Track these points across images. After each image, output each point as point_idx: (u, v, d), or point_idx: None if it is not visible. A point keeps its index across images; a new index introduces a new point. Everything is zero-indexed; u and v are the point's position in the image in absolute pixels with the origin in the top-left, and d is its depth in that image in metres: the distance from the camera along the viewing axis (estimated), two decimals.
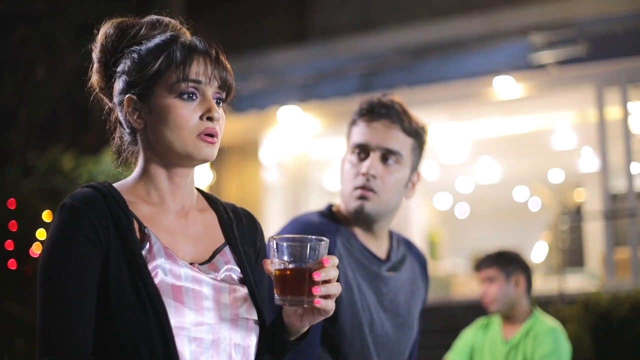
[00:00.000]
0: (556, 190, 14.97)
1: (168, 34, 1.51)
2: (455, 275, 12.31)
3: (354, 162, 2.11)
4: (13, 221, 5.87)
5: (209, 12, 10.60)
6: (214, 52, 1.48)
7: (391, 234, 2.25)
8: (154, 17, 1.55)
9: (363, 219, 2.11)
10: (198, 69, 1.46)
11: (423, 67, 9.14)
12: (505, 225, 16.45)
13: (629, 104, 8.56)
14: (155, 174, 1.51)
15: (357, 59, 9.57)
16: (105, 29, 1.53)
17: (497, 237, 14.75)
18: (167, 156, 1.49)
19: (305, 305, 1.38)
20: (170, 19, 1.56)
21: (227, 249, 1.54)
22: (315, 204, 9.97)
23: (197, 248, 1.51)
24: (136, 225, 1.44)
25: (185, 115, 1.45)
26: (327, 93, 9.61)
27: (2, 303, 5.77)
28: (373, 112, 2.12)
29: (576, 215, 13.73)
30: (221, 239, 1.56)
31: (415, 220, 12.19)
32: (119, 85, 1.50)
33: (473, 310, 3.90)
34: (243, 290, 1.50)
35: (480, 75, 8.85)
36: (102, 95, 1.57)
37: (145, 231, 1.44)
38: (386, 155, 2.09)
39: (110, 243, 1.39)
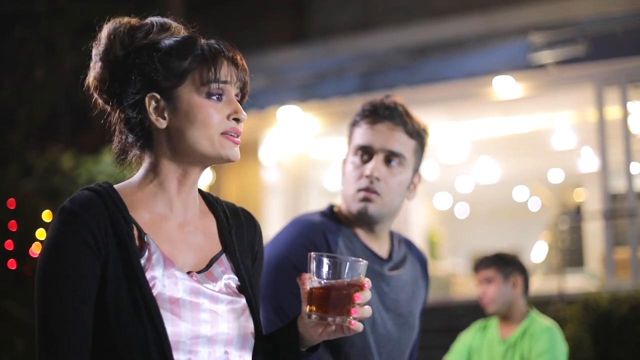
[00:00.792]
0: (556, 190, 14.98)
1: (185, 35, 1.51)
2: (455, 275, 12.33)
3: (357, 163, 2.11)
4: (13, 221, 5.87)
5: (208, 11, 10.61)
6: (236, 54, 1.50)
7: (392, 234, 2.25)
8: (158, 19, 1.53)
9: (366, 221, 2.11)
10: (225, 71, 1.47)
11: (423, 67, 9.15)
12: (505, 225, 16.46)
13: (629, 104, 8.56)
14: (167, 175, 1.49)
15: (357, 59, 9.57)
16: (112, 28, 1.50)
17: (496, 237, 14.78)
18: (187, 156, 1.48)
19: (344, 324, 1.39)
20: (177, 23, 1.55)
21: (224, 256, 1.53)
22: (315, 204, 9.97)
23: (196, 257, 1.49)
24: (136, 232, 1.42)
25: (214, 114, 1.45)
26: (327, 93, 9.61)
27: (2, 303, 5.77)
28: (376, 114, 2.11)
29: (576, 215, 13.74)
30: (218, 247, 1.54)
31: (415, 220, 12.20)
32: (134, 85, 1.46)
33: (473, 310, 3.91)
34: (241, 301, 1.49)
35: (480, 75, 8.85)
36: (97, 96, 1.53)
37: (145, 238, 1.42)
38: (389, 157, 2.09)
39: (109, 250, 1.37)
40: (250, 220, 1.65)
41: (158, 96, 1.46)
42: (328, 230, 2.07)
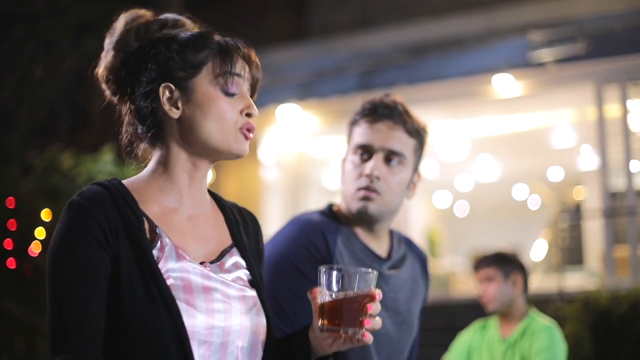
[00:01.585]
0: (555, 189, 14.98)
1: (203, 30, 1.54)
2: (454, 273, 12.33)
3: (357, 162, 2.11)
4: (12, 220, 5.87)
5: (207, 10, 10.60)
6: (250, 51, 1.53)
7: (391, 233, 2.25)
8: (173, 15, 1.55)
9: (366, 220, 2.11)
10: (240, 66, 1.50)
11: (422, 65, 9.14)
12: (504, 224, 16.45)
13: (628, 102, 8.56)
14: (177, 167, 1.50)
15: (357, 57, 9.57)
16: (130, 18, 1.52)
17: (496, 236, 14.79)
18: (199, 148, 1.49)
19: (357, 337, 1.40)
20: (190, 21, 1.56)
21: (234, 250, 1.54)
22: (314, 203, 9.97)
23: (206, 249, 1.50)
24: (147, 225, 1.43)
25: (228, 108, 1.48)
26: (326, 91, 9.61)
27: (1, 302, 5.77)
28: (376, 113, 2.11)
29: (576, 213, 13.73)
30: (229, 240, 1.55)
31: (415, 218, 12.20)
32: (148, 74, 1.48)
33: (473, 309, 3.91)
34: (252, 293, 1.50)
35: (480, 73, 8.85)
36: (106, 86, 1.54)
37: (157, 231, 1.43)
38: (389, 156, 2.09)
39: (120, 244, 1.37)
40: (254, 221, 1.67)
41: (172, 86, 1.47)
42: (327, 229, 2.06)
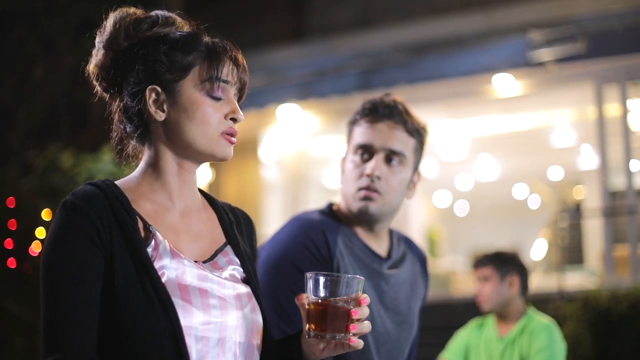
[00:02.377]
0: (555, 188, 14.98)
1: (191, 31, 1.53)
2: (454, 272, 12.34)
3: (357, 162, 2.11)
4: (12, 219, 5.86)
5: (207, 9, 10.60)
6: (238, 54, 1.52)
7: (391, 232, 2.25)
8: (163, 12, 1.55)
9: (366, 219, 2.11)
10: (227, 70, 1.49)
11: (422, 65, 9.15)
12: (504, 223, 16.47)
13: (628, 101, 8.57)
14: (165, 168, 1.50)
15: (356, 57, 9.57)
16: (118, 17, 1.52)
17: (496, 235, 14.79)
18: (184, 150, 1.49)
19: (344, 342, 1.41)
20: (181, 18, 1.56)
21: (228, 248, 1.55)
22: (314, 202, 9.97)
23: (200, 247, 1.51)
24: (140, 224, 1.43)
25: (212, 113, 1.47)
26: (326, 91, 9.61)
27: (2, 301, 5.77)
28: (376, 113, 2.11)
29: (575, 212, 13.73)
30: (222, 239, 1.56)
31: (415, 218, 12.19)
32: (136, 75, 1.48)
33: (472, 308, 3.91)
34: (247, 290, 1.51)
35: (479, 73, 8.85)
36: (97, 83, 1.54)
37: (150, 229, 1.43)
38: (390, 156, 2.09)
39: (114, 242, 1.38)
40: (247, 221, 1.68)
41: (159, 89, 1.47)
42: (327, 228, 2.06)
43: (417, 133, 2.14)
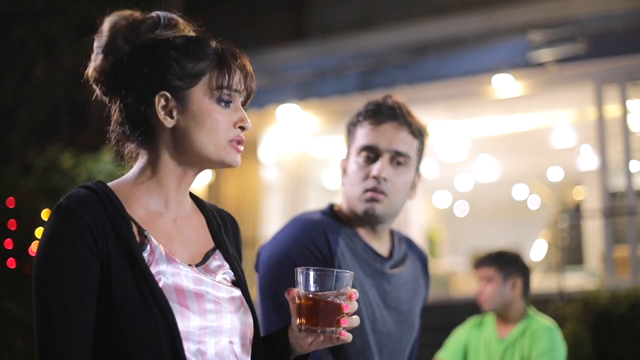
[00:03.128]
0: (555, 189, 14.98)
1: (199, 36, 1.51)
2: (454, 273, 12.33)
3: (362, 164, 2.11)
4: (12, 220, 5.86)
5: (207, 10, 10.60)
6: (246, 62, 1.52)
7: (392, 233, 2.25)
8: (165, 13, 1.52)
9: (371, 221, 2.11)
10: (237, 79, 1.50)
11: (422, 65, 9.15)
12: (504, 224, 16.47)
13: (628, 102, 8.57)
14: (165, 174, 1.49)
15: (356, 57, 9.57)
16: (113, 21, 1.49)
17: (496, 236, 14.78)
18: (191, 157, 1.48)
19: (334, 336, 1.43)
20: (182, 19, 1.53)
21: (217, 252, 1.55)
22: (314, 203, 9.98)
23: (191, 251, 1.50)
24: (135, 228, 1.42)
25: (222, 120, 1.47)
26: (326, 91, 9.61)
27: (1, 302, 5.77)
28: (380, 114, 2.11)
29: (575, 213, 13.73)
30: (211, 243, 1.56)
31: (415, 218, 12.19)
32: (144, 80, 1.45)
33: (472, 309, 3.91)
34: (238, 293, 1.51)
35: (480, 74, 8.85)
36: (96, 87, 1.51)
37: (145, 234, 1.42)
38: (395, 157, 2.10)
39: (110, 247, 1.37)
40: (233, 223, 1.68)
41: (169, 95, 1.45)
42: (328, 229, 2.07)
43: (420, 134, 2.15)
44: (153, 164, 1.50)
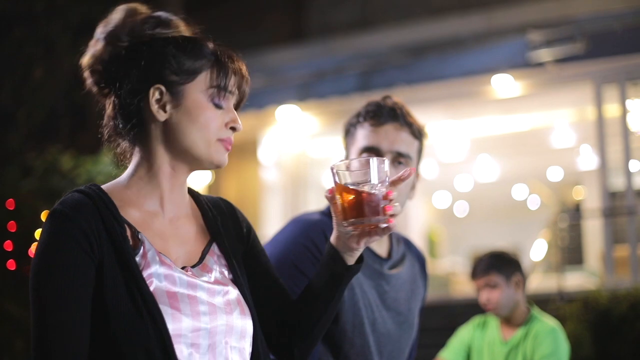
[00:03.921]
0: (555, 188, 14.99)
1: (197, 36, 1.53)
2: (454, 273, 12.34)
3: None
4: (12, 222, 5.86)
5: (206, 11, 10.61)
6: (243, 66, 1.53)
7: (391, 233, 2.25)
8: (166, 14, 1.54)
9: None
10: (233, 81, 1.51)
11: (421, 66, 9.15)
12: (504, 224, 16.48)
13: (628, 102, 8.57)
14: (159, 170, 1.49)
15: (356, 58, 9.58)
16: (128, 12, 1.51)
17: (496, 236, 14.80)
18: (180, 154, 1.49)
19: (382, 226, 1.42)
20: (182, 21, 1.55)
21: (214, 246, 1.55)
22: (314, 203, 9.98)
23: (188, 251, 1.50)
24: (129, 231, 1.42)
25: (214, 118, 1.48)
26: (325, 92, 9.62)
27: (1, 303, 5.77)
28: (381, 115, 2.12)
29: (575, 213, 13.75)
30: (207, 237, 1.56)
31: (415, 218, 12.21)
32: (141, 72, 1.46)
33: (472, 309, 3.91)
34: (235, 292, 1.50)
35: (479, 74, 8.86)
36: (89, 74, 1.52)
37: (139, 236, 1.42)
38: (397, 158, 2.10)
39: (103, 250, 1.37)
40: (230, 209, 1.67)
41: (163, 88, 1.46)
42: (328, 229, 2.06)
43: (420, 135, 2.16)
44: (146, 162, 1.50)
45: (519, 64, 8.57)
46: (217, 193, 10.25)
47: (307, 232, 2.05)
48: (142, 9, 1.53)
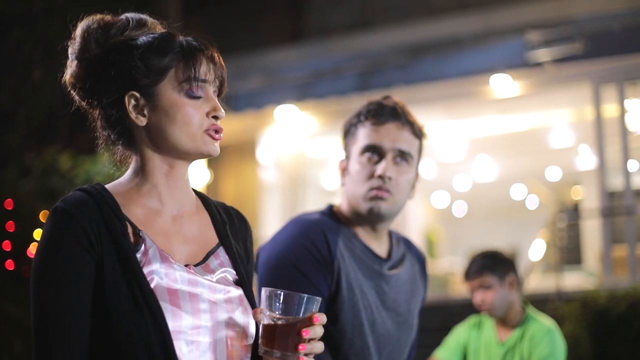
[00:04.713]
0: (554, 188, 14.99)
1: (164, 32, 1.52)
2: (453, 273, 12.33)
3: (365, 163, 2.12)
4: (10, 222, 5.86)
5: (205, 12, 10.60)
6: (214, 52, 1.51)
7: (390, 234, 2.26)
8: (134, 15, 1.54)
9: (374, 219, 2.12)
10: (204, 69, 1.49)
11: (420, 66, 9.15)
12: (502, 224, 16.47)
13: (626, 102, 8.57)
14: (152, 170, 1.50)
15: (354, 58, 9.58)
16: (85, 25, 1.52)
17: (494, 236, 14.79)
18: (169, 152, 1.49)
19: None
20: (152, 19, 1.55)
21: (220, 250, 1.55)
22: (312, 203, 9.98)
23: (191, 249, 1.51)
24: (130, 229, 1.43)
25: (193, 113, 1.47)
26: (324, 92, 9.62)
27: (1, 304, 5.77)
28: (382, 114, 2.13)
29: (574, 213, 13.74)
30: (215, 240, 1.56)
31: (413, 218, 12.21)
32: (113, 82, 1.47)
33: (471, 309, 3.91)
34: (238, 292, 1.50)
35: (477, 74, 8.86)
36: (74, 93, 1.54)
37: (140, 234, 1.43)
38: (399, 156, 2.11)
39: (104, 248, 1.38)
40: (241, 220, 1.67)
41: (137, 94, 1.47)
42: (328, 229, 2.07)
43: (420, 134, 2.18)
44: (140, 164, 1.51)
45: (518, 64, 8.57)
46: (215, 193, 10.25)
47: (307, 232, 2.05)
48: (103, 16, 1.53)
